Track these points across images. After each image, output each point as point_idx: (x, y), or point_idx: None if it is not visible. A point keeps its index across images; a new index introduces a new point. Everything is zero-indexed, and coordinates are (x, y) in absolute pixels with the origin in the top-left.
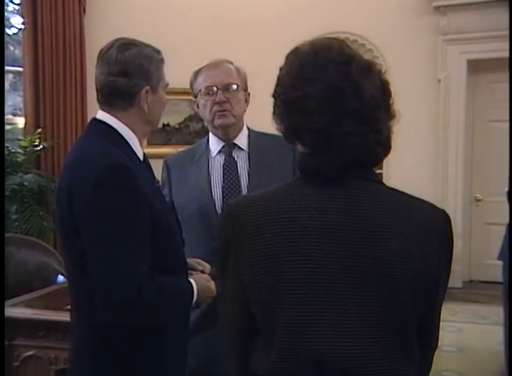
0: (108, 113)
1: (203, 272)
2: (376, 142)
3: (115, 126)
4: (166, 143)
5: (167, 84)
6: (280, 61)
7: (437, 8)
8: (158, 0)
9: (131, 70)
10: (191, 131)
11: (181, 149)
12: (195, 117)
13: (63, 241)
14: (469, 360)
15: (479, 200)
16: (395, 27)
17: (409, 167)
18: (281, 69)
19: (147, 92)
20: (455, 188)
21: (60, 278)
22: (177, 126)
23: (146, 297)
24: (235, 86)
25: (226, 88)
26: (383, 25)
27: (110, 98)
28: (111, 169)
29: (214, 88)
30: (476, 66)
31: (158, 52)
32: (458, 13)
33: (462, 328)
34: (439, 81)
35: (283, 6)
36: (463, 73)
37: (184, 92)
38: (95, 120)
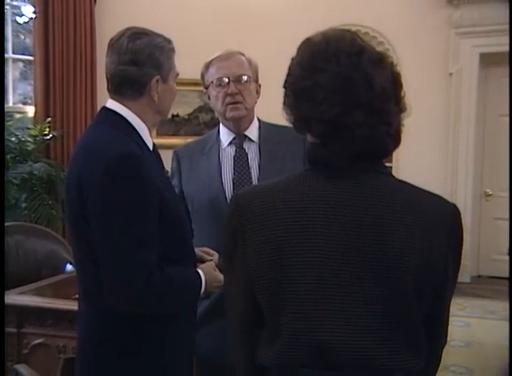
0: (118, 102)
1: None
2: (386, 134)
3: (125, 115)
4: (175, 134)
5: (178, 74)
6: (291, 52)
7: (450, 1)
8: None
9: (142, 59)
10: (200, 123)
11: (190, 140)
12: (204, 109)
13: (72, 230)
14: (476, 355)
15: (489, 195)
16: (407, 19)
17: (420, 161)
18: (292, 59)
19: (157, 81)
20: (465, 182)
21: (69, 267)
22: (186, 117)
23: (156, 287)
24: (247, 78)
25: (238, 79)
26: (395, 18)
27: (121, 87)
28: (121, 158)
29: (226, 80)
30: (488, 60)
31: (169, 41)
32: (471, 6)
33: (470, 323)
34: (451, 74)
35: None
36: (475, 66)
37: (194, 83)
38: (104, 108)
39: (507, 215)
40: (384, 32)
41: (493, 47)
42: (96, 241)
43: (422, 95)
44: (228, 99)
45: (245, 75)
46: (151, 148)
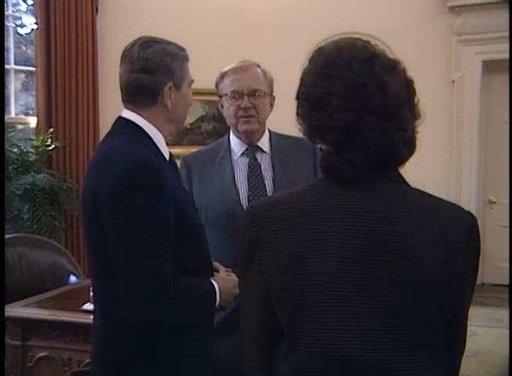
0: (132, 111)
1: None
2: (401, 140)
3: (141, 124)
4: (178, 143)
5: (192, 81)
6: (295, 61)
7: (451, 8)
8: None
9: (153, 67)
10: (202, 132)
11: (192, 149)
12: (206, 118)
13: (89, 242)
14: (483, 364)
15: (493, 203)
16: (409, 27)
17: (423, 168)
18: (304, 69)
19: (170, 88)
20: (469, 190)
21: (72, 279)
22: (188, 126)
23: (171, 297)
24: (262, 92)
25: (253, 93)
26: (397, 25)
27: (134, 95)
28: (135, 164)
29: (241, 93)
30: (491, 67)
31: (182, 49)
32: (473, 13)
33: (476, 332)
34: (453, 82)
35: (299, 7)
36: (478, 74)
37: (196, 93)
38: (120, 118)
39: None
40: (385, 40)
41: (496, 54)
42: (111, 249)
43: (424, 103)
44: (241, 113)
45: (260, 89)
46: (167, 157)
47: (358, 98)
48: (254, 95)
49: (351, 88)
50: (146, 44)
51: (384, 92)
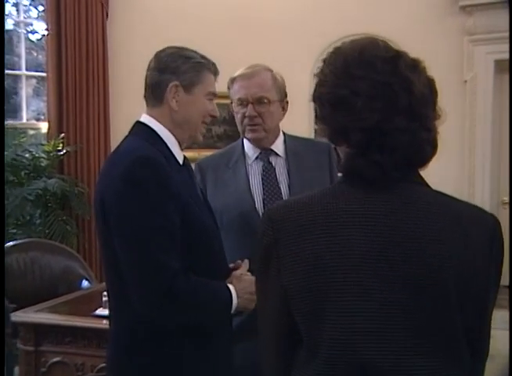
0: (148, 113)
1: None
2: (426, 141)
3: (154, 127)
4: (189, 147)
5: (213, 94)
6: (303, 64)
7: (463, 7)
8: (180, 4)
9: (163, 66)
10: (213, 135)
11: (204, 153)
12: (217, 121)
13: (100, 245)
14: (501, 369)
15: (506, 203)
16: (420, 27)
17: (435, 169)
18: (322, 70)
19: (176, 86)
20: (482, 190)
21: (85, 283)
22: None
23: (182, 291)
24: (267, 99)
25: (258, 101)
26: (407, 25)
27: (146, 93)
28: (136, 161)
29: (245, 102)
30: (503, 67)
31: (205, 58)
32: (485, 13)
33: (493, 335)
34: (465, 82)
35: (307, 8)
36: (490, 73)
37: None
38: (137, 122)
39: None
40: (396, 41)
41: (508, 53)
42: (117, 245)
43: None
44: (246, 121)
45: (266, 97)
46: (181, 161)
47: (383, 97)
48: (259, 103)
49: (376, 87)
50: (171, 48)
51: (410, 91)
